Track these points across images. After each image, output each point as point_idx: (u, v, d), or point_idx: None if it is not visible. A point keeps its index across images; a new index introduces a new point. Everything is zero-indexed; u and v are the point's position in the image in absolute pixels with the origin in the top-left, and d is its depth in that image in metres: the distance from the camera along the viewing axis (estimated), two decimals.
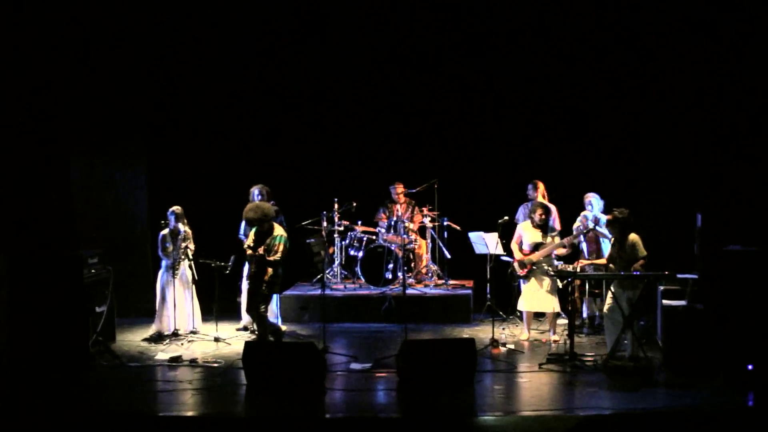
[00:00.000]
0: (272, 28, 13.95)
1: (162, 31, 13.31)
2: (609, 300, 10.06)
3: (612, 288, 10.05)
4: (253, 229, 10.55)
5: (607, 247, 11.65)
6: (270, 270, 10.41)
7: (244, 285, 11.90)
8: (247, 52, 14.09)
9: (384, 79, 14.36)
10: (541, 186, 12.48)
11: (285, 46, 14.14)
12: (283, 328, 11.00)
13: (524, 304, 11.32)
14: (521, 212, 12.61)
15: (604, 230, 11.42)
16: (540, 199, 12.33)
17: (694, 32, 12.63)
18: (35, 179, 11.90)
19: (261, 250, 10.38)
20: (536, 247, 11.19)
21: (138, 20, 13.04)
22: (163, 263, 11.60)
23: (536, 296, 11.18)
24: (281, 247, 10.42)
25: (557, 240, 11.26)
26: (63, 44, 12.34)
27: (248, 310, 10.80)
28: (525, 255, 11.25)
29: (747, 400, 8.48)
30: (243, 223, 11.89)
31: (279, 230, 10.55)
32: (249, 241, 10.54)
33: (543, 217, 11.21)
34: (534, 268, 11.19)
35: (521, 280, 11.39)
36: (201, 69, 13.89)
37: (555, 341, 11.11)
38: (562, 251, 11.33)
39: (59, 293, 10.22)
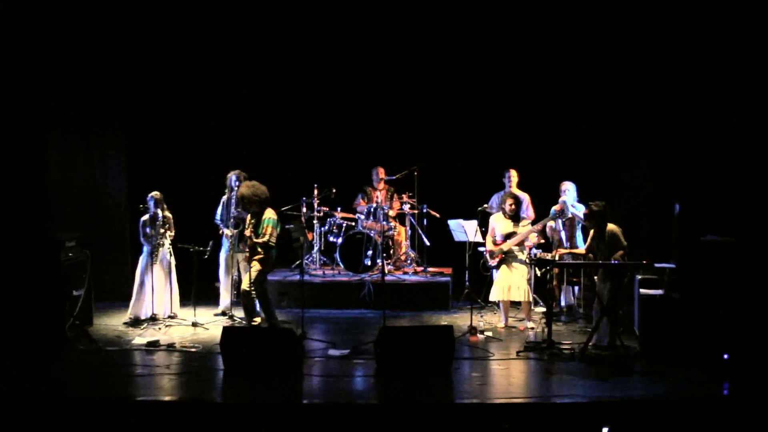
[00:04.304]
0: (250, 15, 13.84)
1: (140, 16, 13.20)
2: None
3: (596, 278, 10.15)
4: (249, 214, 10.68)
5: (580, 234, 11.74)
6: (261, 251, 10.48)
7: (222, 270, 11.92)
8: (225, 37, 13.98)
9: (364, 66, 14.31)
10: (514, 175, 12.53)
11: (263, 32, 14.03)
12: (257, 320, 10.92)
13: (497, 294, 11.35)
14: (494, 200, 12.63)
15: (578, 213, 11.52)
16: (514, 188, 12.38)
17: (666, 29, 12.71)
18: (11, 161, 11.84)
19: (248, 232, 10.56)
20: (508, 236, 11.24)
21: (116, 4, 12.94)
22: (144, 248, 11.55)
23: (508, 285, 11.22)
24: (269, 229, 10.49)
25: (529, 227, 11.29)
26: (41, 25, 12.25)
27: (242, 293, 10.82)
28: (497, 245, 11.29)
29: (722, 389, 8.54)
30: (219, 208, 11.90)
31: (269, 213, 10.62)
32: (248, 226, 10.64)
33: (513, 207, 11.26)
34: (505, 257, 11.24)
35: (493, 270, 11.43)
36: (179, 53, 13.77)
37: (531, 329, 11.16)
38: (535, 239, 11.37)
39: (36, 276, 10.17)
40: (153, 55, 13.56)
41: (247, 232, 10.62)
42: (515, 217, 11.29)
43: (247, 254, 10.81)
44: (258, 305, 10.76)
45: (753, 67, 11.91)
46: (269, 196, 10.73)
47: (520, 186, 12.67)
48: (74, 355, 9.84)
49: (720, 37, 12.19)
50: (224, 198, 11.92)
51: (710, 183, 11.89)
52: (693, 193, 11.54)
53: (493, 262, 11.32)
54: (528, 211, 12.41)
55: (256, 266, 10.57)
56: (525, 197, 12.45)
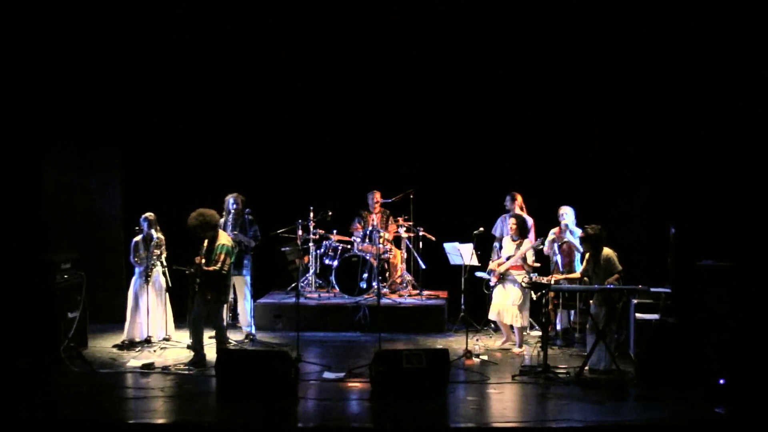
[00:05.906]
0: (247, 36, 13.88)
1: (136, 38, 13.23)
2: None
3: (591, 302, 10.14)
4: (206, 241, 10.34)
5: (579, 260, 11.72)
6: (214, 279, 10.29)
7: None
8: (222, 58, 14.01)
9: (360, 89, 14.34)
10: (518, 198, 12.48)
11: (261, 53, 14.07)
12: (236, 339, 10.76)
13: (491, 313, 11.44)
14: (499, 224, 12.60)
15: (574, 240, 11.50)
16: (517, 210, 12.35)
17: (668, 48, 12.74)
18: (8, 184, 11.84)
19: (198, 259, 10.21)
20: (508, 259, 11.26)
21: (112, 26, 12.96)
22: (136, 270, 11.54)
23: (500, 307, 11.29)
24: (222, 256, 10.27)
25: (523, 249, 11.29)
26: (36, 51, 12.28)
27: (190, 320, 10.55)
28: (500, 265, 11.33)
29: (718, 414, 8.51)
30: None
31: (223, 239, 10.42)
32: (201, 252, 10.29)
33: (515, 227, 11.28)
34: (503, 278, 11.26)
35: (493, 289, 11.45)
36: (176, 75, 13.80)
37: (518, 353, 11.14)
38: (531, 261, 11.36)
39: (31, 298, 10.15)
40: (149, 77, 13.58)
41: (198, 259, 10.20)
42: (519, 238, 11.29)
43: (198, 282, 10.22)
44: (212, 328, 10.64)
45: (751, 93, 11.95)
46: (219, 221, 10.61)
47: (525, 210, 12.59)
48: (68, 377, 9.79)
49: (718, 62, 12.24)
50: (221, 221, 11.89)
51: (707, 206, 11.91)
52: (689, 217, 11.54)
53: (493, 281, 11.35)
54: (531, 235, 12.26)
55: (214, 297, 10.32)
56: (529, 221, 12.39)
